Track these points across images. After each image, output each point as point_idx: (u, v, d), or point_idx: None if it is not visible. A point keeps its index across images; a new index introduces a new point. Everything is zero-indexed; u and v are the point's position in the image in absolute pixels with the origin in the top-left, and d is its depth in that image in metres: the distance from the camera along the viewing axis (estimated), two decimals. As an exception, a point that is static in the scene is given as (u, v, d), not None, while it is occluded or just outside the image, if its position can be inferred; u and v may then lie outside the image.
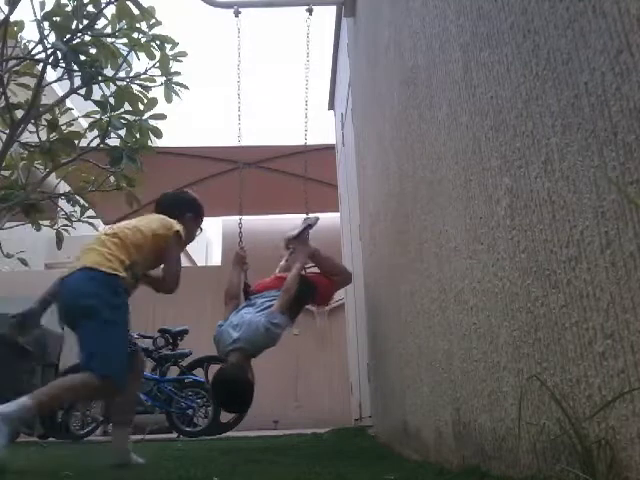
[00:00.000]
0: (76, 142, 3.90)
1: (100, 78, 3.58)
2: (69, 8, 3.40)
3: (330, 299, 3.74)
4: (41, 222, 4.15)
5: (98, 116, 3.82)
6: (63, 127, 3.92)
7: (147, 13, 3.52)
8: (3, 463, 2.16)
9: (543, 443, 1.10)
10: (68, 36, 3.39)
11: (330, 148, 6.71)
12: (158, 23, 3.63)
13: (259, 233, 7.60)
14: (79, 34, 3.42)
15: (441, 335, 1.82)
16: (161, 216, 2.75)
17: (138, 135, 3.87)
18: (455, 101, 1.61)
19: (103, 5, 3.42)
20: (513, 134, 1.21)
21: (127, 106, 3.77)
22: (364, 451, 2.96)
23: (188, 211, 2.93)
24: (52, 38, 3.40)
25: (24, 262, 4.32)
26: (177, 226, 2.68)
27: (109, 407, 5.32)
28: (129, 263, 2.50)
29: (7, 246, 4.29)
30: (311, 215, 3.56)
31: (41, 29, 3.37)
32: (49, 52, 3.42)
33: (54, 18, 3.38)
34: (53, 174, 4.08)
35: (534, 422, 1.13)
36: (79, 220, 4.30)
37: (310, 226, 3.45)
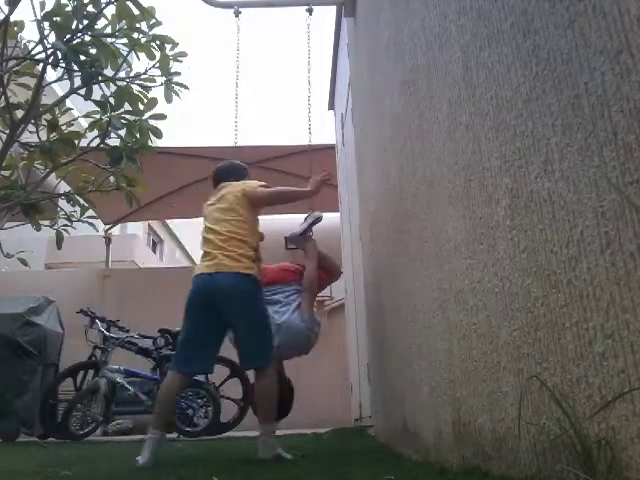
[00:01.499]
0: (76, 142, 3.90)
1: (100, 78, 3.58)
2: (69, 8, 3.40)
3: (321, 290, 3.76)
4: (41, 222, 4.15)
5: (98, 116, 3.82)
6: (63, 127, 3.92)
7: (147, 13, 3.52)
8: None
9: (543, 443, 1.10)
10: (68, 36, 3.39)
11: (330, 148, 6.71)
12: (158, 23, 3.63)
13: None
14: (79, 34, 3.42)
15: (441, 335, 1.82)
16: (235, 185, 2.97)
17: (138, 135, 3.87)
18: (455, 101, 1.61)
19: (103, 5, 3.42)
20: (513, 134, 1.21)
21: (127, 106, 3.76)
22: (364, 451, 2.97)
23: (244, 176, 3.17)
24: (52, 38, 3.40)
25: (24, 262, 4.32)
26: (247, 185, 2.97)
27: (109, 407, 5.33)
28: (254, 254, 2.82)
29: (7, 246, 4.29)
30: (315, 212, 3.52)
31: (41, 29, 3.37)
32: (49, 52, 3.42)
33: (54, 18, 3.38)
34: (53, 174, 4.08)
35: (534, 422, 1.13)
36: (79, 220, 4.30)
37: (315, 222, 3.42)
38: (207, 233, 2.84)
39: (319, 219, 3.42)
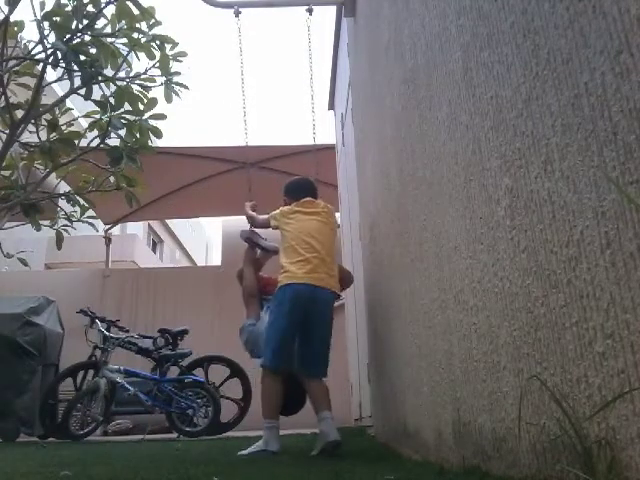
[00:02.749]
0: (76, 142, 3.90)
1: (100, 78, 3.57)
2: (69, 8, 3.40)
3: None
4: (41, 222, 4.15)
5: (98, 116, 3.82)
6: (63, 127, 3.91)
7: (147, 13, 3.51)
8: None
9: (543, 443, 1.10)
10: (68, 36, 3.39)
11: (330, 148, 6.71)
12: (158, 23, 3.62)
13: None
14: (79, 34, 3.42)
15: (441, 335, 1.82)
16: (333, 216, 3.34)
17: (138, 135, 3.87)
18: (455, 101, 1.61)
19: (103, 5, 3.42)
20: (513, 134, 1.21)
21: (127, 106, 3.76)
22: (364, 451, 2.97)
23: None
24: (52, 38, 3.40)
25: (24, 262, 4.31)
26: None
27: (109, 407, 5.33)
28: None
29: (7, 246, 4.29)
30: None
31: (41, 29, 3.37)
32: (49, 52, 3.42)
33: (54, 18, 3.38)
34: (53, 174, 4.08)
35: (534, 422, 1.13)
36: (79, 220, 4.30)
37: None
38: (311, 241, 3.08)
39: None
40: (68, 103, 4.06)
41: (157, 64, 3.74)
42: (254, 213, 3.54)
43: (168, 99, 3.80)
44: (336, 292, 3.10)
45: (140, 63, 3.77)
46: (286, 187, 3.46)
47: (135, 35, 3.60)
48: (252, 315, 3.28)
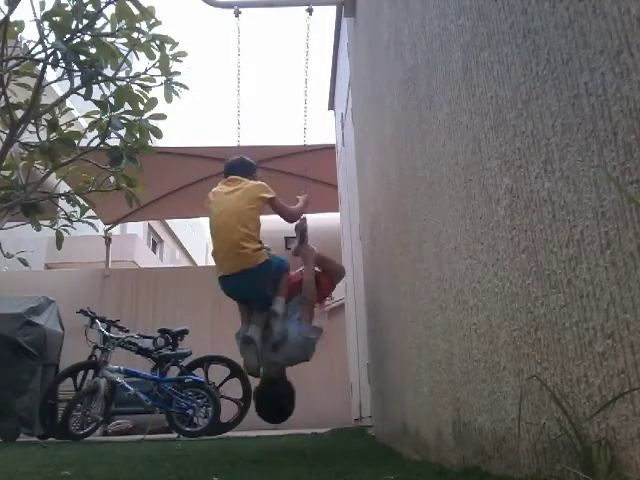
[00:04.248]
0: (76, 142, 3.90)
1: (100, 78, 3.58)
2: (69, 8, 3.40)
3: (326, 297, 3.76)
4: (41, 222, 4.15)
5: (98, 116, 3.83)
6: (63, 127, 3.92)
7: (147, 13, 3.52)
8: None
9: (543, 443, 1.10)
10: (68, 36, 3.39)
11: (330, 148, 6.71)
12: (158, 23, 3.63)
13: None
14: (79, 34, 3.42)
15: (441, 335, 1.82)
16: (254, 187, 3.23)
17: (138, 135, 3.87)
18: (455, 101, 1.61)
19: (103, 5, 3.42)
20: (513, 134, 1.21)
21: (127, 106, 3.76)
22: (364, 451, 2.97)
23: (253, 172, 3.45)
24: (52, 38, 3.40)
25: (24, 262, 4.32)
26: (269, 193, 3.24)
27: (109, 407, 5.33)
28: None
29: (7, 246, 4.29)
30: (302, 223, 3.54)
31: (41, 29, 3.38)
32: (49, 52, 3.42)
33: (54, 18, 3.38)
34: (53, 174, 4.08)
35: (534, 422, 1.13)
36: (79, 220, 4.31)
37: (304, 231, 3.47)
38: (220, 223, 3.10)
39: (305, 227, 3.50)
40: (68, 103, 4.07)
41: (157, 64, 3.75)
42: None
43: (168, 99, 3.80)
44: (260, 263, 2.99)
45: (140, 63, 3.78)
46: None
47: (135, 35, 3.61)
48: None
